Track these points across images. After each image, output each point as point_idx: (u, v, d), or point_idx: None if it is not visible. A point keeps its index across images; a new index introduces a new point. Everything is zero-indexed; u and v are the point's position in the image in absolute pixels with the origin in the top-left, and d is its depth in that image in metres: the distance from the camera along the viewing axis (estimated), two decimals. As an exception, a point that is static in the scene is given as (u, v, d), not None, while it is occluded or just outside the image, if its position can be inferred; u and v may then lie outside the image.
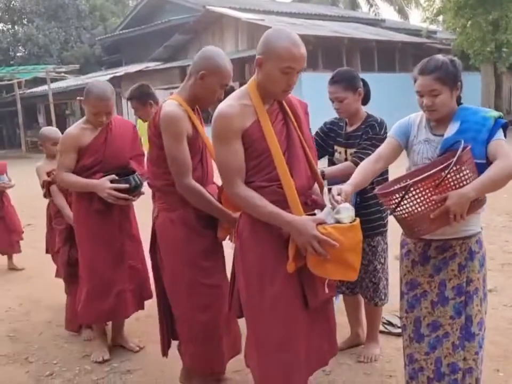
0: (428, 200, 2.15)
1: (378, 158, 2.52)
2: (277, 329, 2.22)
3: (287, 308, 2.22)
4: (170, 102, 2.61)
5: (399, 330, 2.88)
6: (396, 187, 2.25)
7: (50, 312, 4.54)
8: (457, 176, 2.15)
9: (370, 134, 3.07)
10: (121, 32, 25.63)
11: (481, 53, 17.73)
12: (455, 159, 2.11)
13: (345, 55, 16.26)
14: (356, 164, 2.83)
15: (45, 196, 4.12)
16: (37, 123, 26.14)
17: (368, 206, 3.02)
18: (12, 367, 3.58)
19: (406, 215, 2.21)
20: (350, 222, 2.11)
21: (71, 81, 23.33)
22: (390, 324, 3.63)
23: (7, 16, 27.02)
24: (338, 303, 3.82)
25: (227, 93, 3.57)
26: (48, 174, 4.12)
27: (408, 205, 2.18)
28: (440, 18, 21.16)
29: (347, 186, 2.31)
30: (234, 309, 2.46)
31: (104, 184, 3.19)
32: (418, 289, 2.50)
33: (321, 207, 2.25)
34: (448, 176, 2.12)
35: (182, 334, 2.82)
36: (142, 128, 4.60)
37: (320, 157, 3.23)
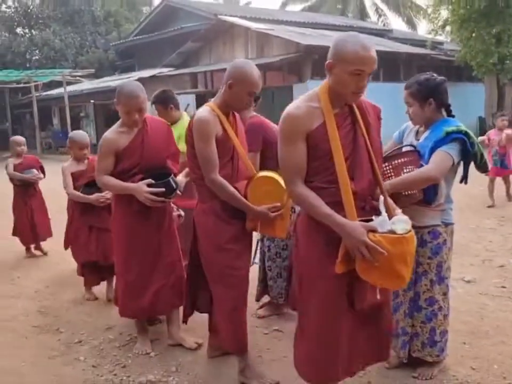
0: None
1: None
2: (320, 325, 2.36)
3: (331, 306, 2.32)
4: (203, 108, 3.04)
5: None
6: None
7: (75, 293, 5.06)
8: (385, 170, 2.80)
9: None
10: (135, 38, 26.23)
11: (484, 64, 18.18)
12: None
13: (352, 65, 16.73)
14: None
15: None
16: (51, 125, 26.78)
17: None
18: (45, 336, 4.10)
19: None
20: (404, 234, 2.17)
21: (86, 85, 23.94)
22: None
23: (24, 21, 27.74)
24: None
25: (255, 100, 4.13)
26: (73, 174, 4.76)
27: None
28: (447, 29, 21.60)
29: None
30: (291, 302, 3.01)
31: (141, 188, 3.31)
32: None
33: (380, 213, 2.27)
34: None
35: (215, 308, 3.21)
36: None
37: None
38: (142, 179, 3.38)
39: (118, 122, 3.54)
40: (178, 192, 3.50)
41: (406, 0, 36.61)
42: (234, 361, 3.29)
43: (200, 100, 20.21)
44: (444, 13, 20.02)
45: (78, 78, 22.65)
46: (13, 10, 27.89)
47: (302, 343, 2.46)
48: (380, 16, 38.83)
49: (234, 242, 3.06)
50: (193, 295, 3.37)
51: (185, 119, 4.99)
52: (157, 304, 3.61)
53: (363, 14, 37.37)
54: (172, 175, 3.45)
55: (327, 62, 2.27)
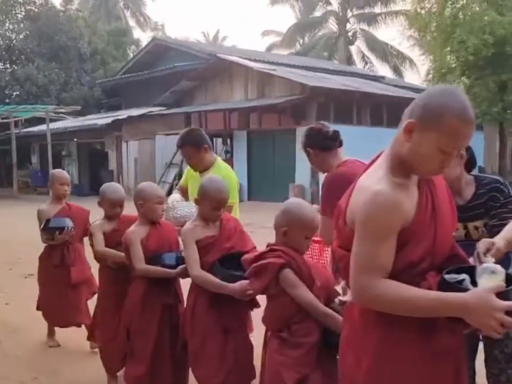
0: None
1: None
2: None
3: None
4: None
5: None
6: None
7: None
8: None
9: (503, 199, 2.55)
10: (122, 76, 25.54)
11: (488, 112, 17.74)
12: None
13: (356, 109, 16.11)
14: None
15: None
16: (30, 163, 25.57)
17: None
18: None
19: None
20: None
21: (69, 122, 22.94)
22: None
23: (6, 55, 26.85)
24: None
25: (333, 138, 3.08)
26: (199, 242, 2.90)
27: None
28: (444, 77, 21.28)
29: (500, 241, 1.91)
30: None
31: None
32: None
33: None
34: None
35: None
36: (192, 179, 4.04)
37: None
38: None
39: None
40: None
41: (392, 49, 37.16)
42: None
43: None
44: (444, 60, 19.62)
45: (62, 115, 21.58)
46: (-6, 44, 26.99)
47: None
48: (366, 63, 39.27)
49: None
50: None
51: (222, 166, 3.89)
52: None
53: (350, 61, 37.63)
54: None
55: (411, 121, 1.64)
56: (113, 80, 26.10)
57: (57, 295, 4.36)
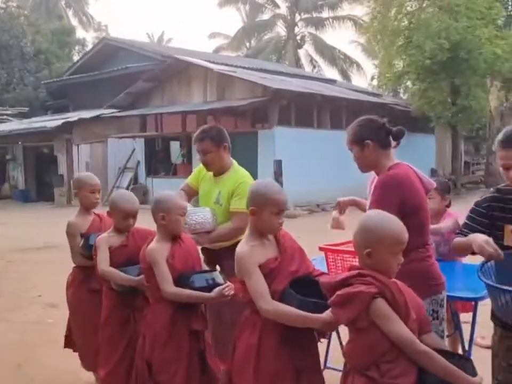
0: None
1: None
2: None
3: None
4: None
5: None
6: None
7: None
8: None
9: None
10: (70, 77, 24.41)
11: (441, 116, 18.16)
12: None
13: (316, 112, 16.02)
14: None
15: None
16: (-32, 168, 23.97)
17: None
18: None
19: None
20: None
21: (13, 125, 21.58)
22: None
23: None
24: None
25: (397, 136, 2.81)
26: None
27: None
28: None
29: None
30: None
31: None
32: None
33: None
34: None
35: None
36: (205, 182, 3.71)
37: None
38: None
39: None
40: None
41: (340, 52, 37.74)
42: None
43: (150, 145, 18.63)
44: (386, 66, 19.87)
45: (6, 117, 20.31)
46: None
47: None
48: (314, 67, 39.64)
49: None
50: None
51: (240, 171, 3.63)
52: None
53: (298, 65, 37.83)
54: None
55: None
56: (60, 81, 24.87)
57: (95, 328, 3.39)
